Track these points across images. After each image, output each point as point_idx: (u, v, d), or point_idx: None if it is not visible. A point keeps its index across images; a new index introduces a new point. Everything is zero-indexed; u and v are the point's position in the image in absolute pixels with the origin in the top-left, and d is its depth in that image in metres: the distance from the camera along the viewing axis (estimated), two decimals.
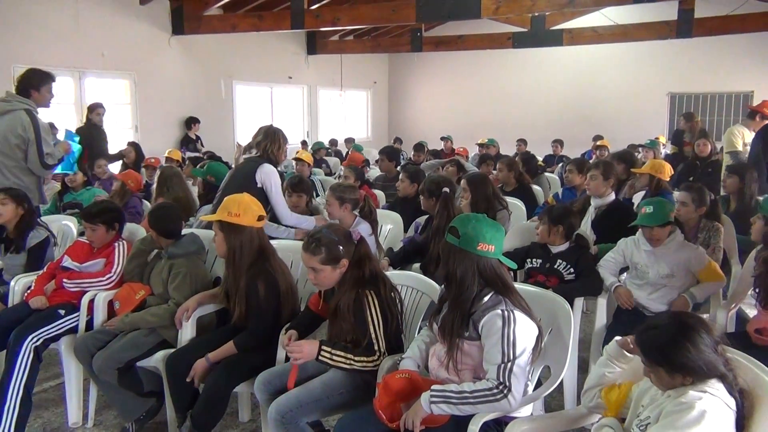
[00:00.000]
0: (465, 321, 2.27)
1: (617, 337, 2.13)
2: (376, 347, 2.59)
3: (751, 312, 3.50)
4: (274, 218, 4.22)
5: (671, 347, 1.82)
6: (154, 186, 5.47)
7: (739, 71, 13.18)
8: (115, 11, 9.67)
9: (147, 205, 5.49)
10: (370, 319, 2.59)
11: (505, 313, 2.20)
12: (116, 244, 3.66)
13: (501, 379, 2.14)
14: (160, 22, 10.43)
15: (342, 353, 2.57)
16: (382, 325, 2.61)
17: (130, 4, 9.91)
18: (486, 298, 2.27)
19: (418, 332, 3.06)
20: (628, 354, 2.07)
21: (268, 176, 4.21)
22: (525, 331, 2.22)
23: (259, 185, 4.17)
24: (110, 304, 3.45)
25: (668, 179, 5.12)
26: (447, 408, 2.16)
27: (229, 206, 3.09)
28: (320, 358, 2.55)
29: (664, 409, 1.86)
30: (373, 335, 2.59)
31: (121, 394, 3.27)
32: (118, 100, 10.17)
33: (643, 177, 5.10)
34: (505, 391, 2.13)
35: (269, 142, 4.30)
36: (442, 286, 2.50)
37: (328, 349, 2.56)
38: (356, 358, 2.57)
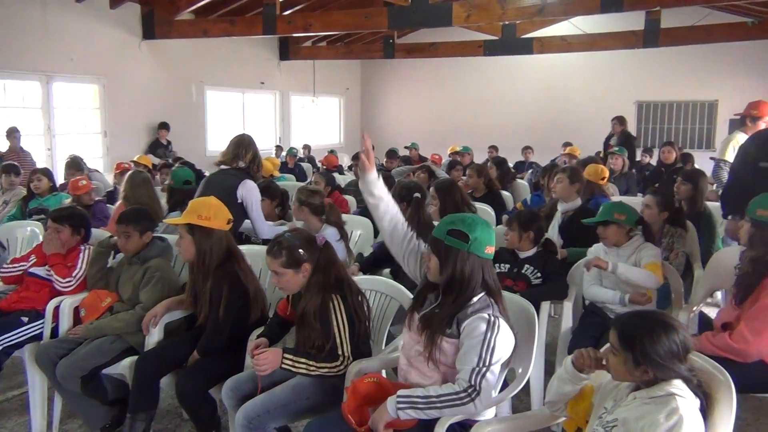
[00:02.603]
0: (452, 319, 2.26)
1: (570, 356, 2.13)
2: (339, 352, 2.59)
3: (712, 314, 3.58)
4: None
5: (647, 336, 1.86)
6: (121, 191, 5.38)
7: (704, 80, 13.48)
8: (84, 15, 9.55)
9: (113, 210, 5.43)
10: (335, 323, 2.60)
11: (491, 318, 2.21)
12: (82, 248, 3.62)
13: (472, 383, 2.15)
14: (130, 27, 10.33)
15: (304, 360, 2.56)
16: (347, 330, 2.61)
17: (100, 8, 9.80)
18: (475, 299, 2.27)
19: (387, 336, 3.09)
20: (582, 375, 2.10)
21: (250, 193, 4.19)
22: (505, 340, 2.23)
23: (239, 201, 4.14)
24: (76, 311, 3.41)
25: (602, 182, 5.25)
26: (413, 413, 2.17)
27: (197, 209, 3.08)
28: (283, 366, 2.55)
29: (631, 412, 1.88)
30: (337, 340, 2.59)
31: (85, 403, 3.22)
32: (86, 105, 10.04)
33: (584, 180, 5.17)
34: (474, 395, 2.14)
35: (255, 156, 4.28)
36: (422, 282, 2.46)
37: (290, 357, 2.56)
38: (318, 364, 2.56)
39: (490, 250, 2.31)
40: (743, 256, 2.92)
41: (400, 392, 2.20)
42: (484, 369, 2.16)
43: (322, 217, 4.06)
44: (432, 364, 2.28)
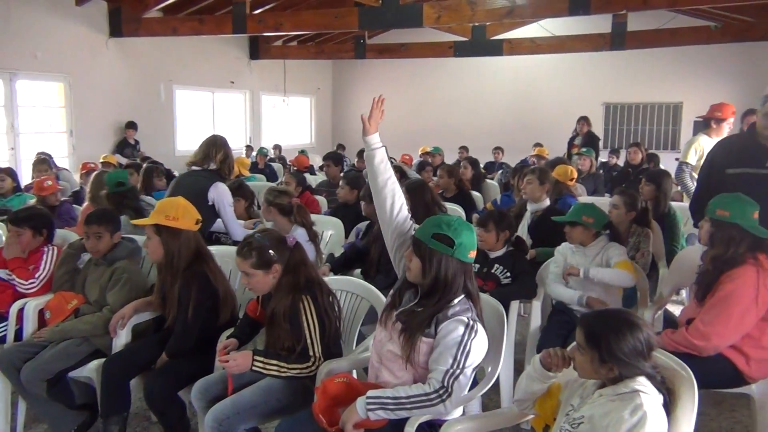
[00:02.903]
0: (431, 319, 2.26)
1: (539, 355, 2.17)
2: (310, 353, 2.58)
3: (677, 312, 3.66)
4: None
5: (613, 334, 1.90)
6: (87, 192, 5.29)
7: (669, 82, 13.75)
8: (49, 12, 9.36)
9: (80, 210, 5.34)
10: (305, 324, 2.59)
11: (470, 322, 2.22)
12: (45, 249, 3.55)
13: (445, 384, 2.16)
14: (96, 24, 10.15)
15: (275, 362, 2.56)
16: (318, 330, 2.61)
17: (66, 5, 9.61)
18: (456, 301, 2.27)
19: (357, 336, 3.09)
20: (550, 373, 2.13)
21: (222, 195, 4.15)
22: (480, 346, 2.25)
23: (210, 203, 4.10)
24: (41, 314, 3.35)
25: (569, 183, 5.35)
26: (383, 413, 2.17)
27: (165, 210, 3.05)
28: (254, 368, 2.53)
29: (597, 409, 1.92)
30: (308, 341, 2.59)
31: (51, 408, 3.16)
32: (51, 103, 9.85)
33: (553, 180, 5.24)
34: (445, 397, 2.15)
35: (226, 156, 4.24)
36: (402, 279, 2.45)
37: (261, 359, 2.55)
38: (289, 366, 2.56)
39: (473, 255, 2.32)
40: (705, 256, 2.99)
41: (370, 393, 2.21)
42: (458, 371, 2.17)
43: (291, 218, 4.04)
44: (410, 366, 2.28)
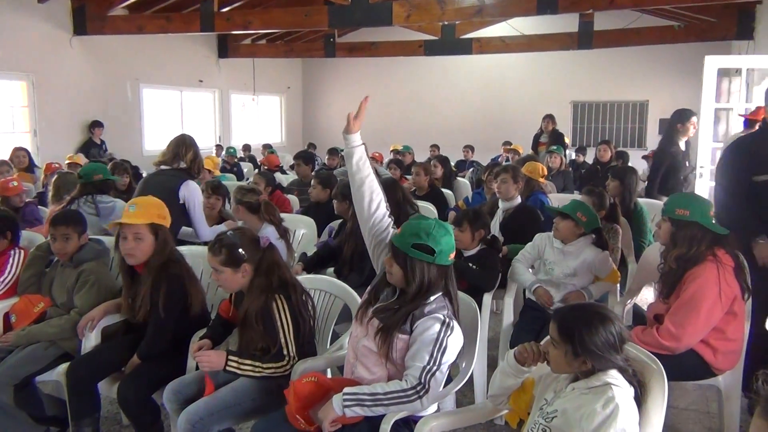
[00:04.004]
0: (407, 316, 2.26)
1: (513, 350, 2.18)
2: (285, 352, 2.57)
3: (644, 305, 3.72)
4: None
5: (585, 327, 1.92)
6: (50, 193, 5.18)
7: (635, 81, 13.97)
8: (9, 9, 9.13)
9: (45, 212, 5.23)
10: (279, 324, 2.58)
11: (446, 320, 2.23)
12: (11, 252, 3.47)
13: (422, 381, 2.16)
14: (59, 22, 9.95)
15: (250, 362, 2.54)
16: (292, 330, 2.60)
17: (27, 3, 9.39)
18: (432, 299, 2.28)
19: (331, 335, 3.08)
20: (524, 368, 2.15)
21: (193, 193, 4.11)
22: (456, 342, 2.26)
23: (181, 201, 4.06)
24: (6, 317, 3.27)
25: (540, 180, 5.43)
26: (360, 410, 2.17)
27: (156, 208, 3.01)
28: (228, 368, 2.51)
29: (570, 402, 1.94)
30: (282, 340, 2.57)
31: (12, 418, 3.05)
32: (14, 103, 9.63)
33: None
34: (422, 393, 2.16)
35: (196, 155, 4.20)
36: (380, 275, 2.44)
37: (235, 359, 2.53)
38: (264, 365, 2.54)
39: (453, 256, 2.34)
40: (665, 255, 3.04)
41: (347, 389, 2.20)
42: (435, 368, 2.18)
43: (260, 216, 4.03)
44: (389, 364, 2.28)
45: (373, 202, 2.51)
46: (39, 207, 5.41)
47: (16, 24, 9.25)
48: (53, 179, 4.90)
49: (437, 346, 2.20)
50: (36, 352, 3.05)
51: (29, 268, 3.39)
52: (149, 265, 2.95)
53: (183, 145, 4.19)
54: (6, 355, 3.07)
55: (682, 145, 5.65)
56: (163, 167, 4.20)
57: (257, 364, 2.54)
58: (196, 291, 3.05)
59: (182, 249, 3.33)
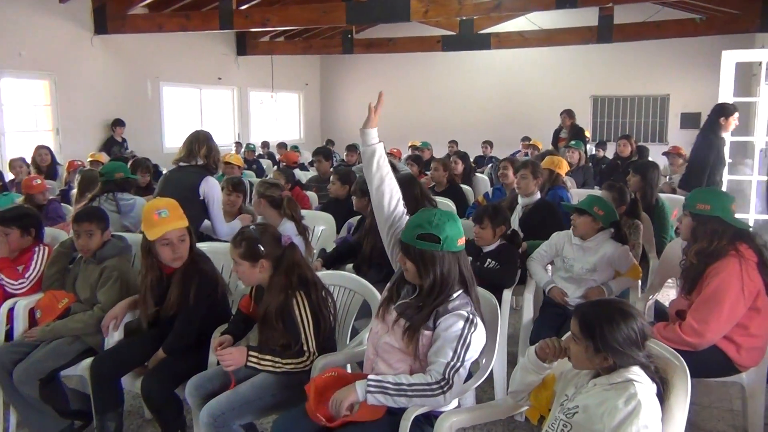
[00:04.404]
0: (432, 313, 2.26)
1: (534, 346, 2.18)
2: (305, 347, 2.59)
3: (666, 302, 3.69)
4: None
5: (607, 324, 1.91)
6: (74, 190, 5.26)
7: (656, 75, 13.82)
8: (33, 9, 9.26)
9: (68, 209, 5.30)
10: (299, 320, 2.59)
11: (470, 316, 2.23)
12: (36, 249, 3.53)
13: (446, 376, 2.16)
14: (81, 21, 10.06)
15: (270, 357, 2.56)
16: (312, 326, 2.61)
17: (49, 2, 9.51)
18: (455, 295, 2.28)
19: (351, 331, 3.09)
20: (545, 364, 2.14)
21: (212, 189, 4.13)
22: (479, 339, 2.26)
23: (201, 198, 4.09)
24: (31, 313, 3.32)
25: (565, 174, 5.36)
26: (382, 398, 2.16)
27: (177, 210, 3.04)
28: (248, 363, 2.53)
29: (592, 398, 1.93)
30: (302, 336, 2.59)
31: (38, 412, 3.11)
32: (37, 102, 9.76)
33: (544, 171, 5.25)
34: (446, 389, 2.16)
35: (211, 150, 4.21)
36: (399, 273, 2.44)
37: (256, 354, 2.55)
38: (284, 361, 2.56)
39: (462, 242, 2.33)
40: (686, 250, 3.01)
41: (371, 376, 2.21)
42: (458, 364, 2.18)
43: (281, 211, 4.04)
44: (408, 358, 2.28)
45: (392, 200, 2.51)
46: (62, 204, 5.49)
47: (39, 24, 9.38)
48: (77, 177, 4.96)
49: (461, 342, 2.20)
50: (60, 347, 3.10)
51: (53, 265, 3.44)
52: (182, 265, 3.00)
53: (196, 142, 4.20)
54: (31, 350, 3.12)
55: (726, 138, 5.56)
56: (181, 164, 4.23)
57: (277, 359, 2.56)
58: (221, 286, 3.08)
59: (202, 246, 3.36)
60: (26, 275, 3.45)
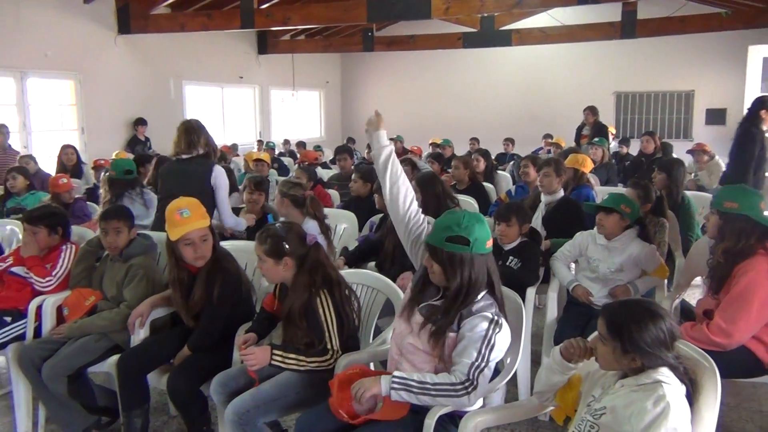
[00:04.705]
0: (457, 317, 2.26)
1: (559, 346, 2.16)
2: (329, 346, 2.60)
3: (693, 301, 3.64)
4: None
5: (635, 324, 1.89)
6: (101, 189, 5.32)
7: (680, 71, 13.64)
8: (57, 10, 9.39)
9: (94, 207, 5.37)
10: (323, 319, 2.60)
11: (494, 317, 2.23)
12: (63, 247, 3.57)
13: (470, 377, 2.15)
14: (105, 21, 10.18)
15: (294, 355, 2.57)
16: (336, 325, 2.62)
17: (74, 3, 9.65)
18: (480, 297, 2.27)
19: (374, 329, 3.09)
20: (570, 365, 2.12)
21: (221, 179, 4.15)
22: (504, 340, 2.25)
23: (212, 188, 4.11)
24: (59, 310, 3.37)
25: (589, 171, 5.28)
26: (405, 395, 2.16)
27: (199, 208, 3.07)
28: (272, 362, 2.55)
29: (619, 399, 1.91)
30: (326, 334, 2.60)
31: (66, 408, 3.15)
32: (62, 101, 9.90)
33: (569, 170, 5.20)
34: (470, 389, 2.14)
35: (208, 138, 4.20)
36: (421, 273, 2.43)
37: (280, 353, 2.56)
38: (308, 359, 2.57)
39: (491, 243, 2.32)
40: (716, 248, 2.97)
41: (396, 373, 2.20)
42: (483, 365, 2.17)
43: (304, 210, 4.05)
44: (441, 363, 2.27)
45: (407, 199, 2.53)
46: (87, 203, 5.55)
47: (64, 24, 9.51)
48: (102, 176, 5.02)
49: (485, 343, 2.18)
50: (88, 344, 3.14)
51: (80, 263, 3.48)
52: (206, 263, 3.02)
53: (194, 132, 4.18)
54: (59, 347, 3.16)
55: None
56: (183, 157, 4.19)
57: (301, 358, 2.57)
58: (245, 285, 3.11)
59: (225, 244, 3.38)
60: (54, 273, 3.50)
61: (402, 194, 2.51)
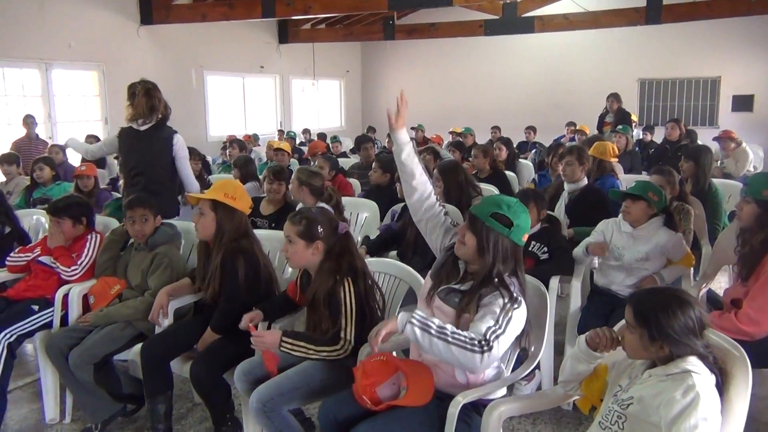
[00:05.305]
0: (476, 296, 2.26)
1: (585, 335, 2.13)
2: (342, 335, 2.59)
3: (719, 291, 3.59)
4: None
5: (663, 311, 1.86)
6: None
7: (706, 57, 13.39)
8: (81, 1, 9.49)
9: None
10: (343, 306, 2.60)
11: (513, 294, 2.23)
12: (88, 237, 3.61)
13: (487, 338, 2.10)
14: (127, 12, 10.26)
15: (303, 343, 2.57)
16: (354, 314, 2.61)
17: None
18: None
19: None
20: (596, 354, 2.09)
21: (182, 147, 4.22)
22: (520, 317, 2.24)
23: (173, 155, 4.15)
24: (85, 299, 3.41)
25: (612, 160, 5.20)
26: (420, 334, 2.08)
27: (224, 188, 3.07)
28: (282, 348, 2.56)
29: (647, 389, 1.88)
30: (342, 323, 2.59)
31: (92, 395, 3.19)
32: (87, 92, 10.00)
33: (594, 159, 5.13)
34: (485, 348, 2.08)
35: (165, 102, 4.19)
36: (442, 259, 2.45)
37: (290, 340, 2.56)
38: (318, 348, 2.57)
39: (525, 238, 2.33)
40: (743, 236, 2.92)
41: (418, 311, 2.15)
42: (500, 330, 2.14)
43: (320, 200, 4.05)
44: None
45: (425, 193, 2.57)
46: (112, 193, 5.61)
47: (87, 15, 9.59)
48: None
49: (503, 312, 2.18)
50: (113, 333, 3.17)
51: (105, 252, 3.52)
52: (220, 242, 3.03)
53: (154, 95, 4.15)
54: (86, 335, 3.20)
55: None
56: (143, 128, 4.12)
57: (310, 346, 2.57)
58: (268, 269, 3.12)
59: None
60: (79, 262, 3.54)
61: (420, 188, 2.56)
